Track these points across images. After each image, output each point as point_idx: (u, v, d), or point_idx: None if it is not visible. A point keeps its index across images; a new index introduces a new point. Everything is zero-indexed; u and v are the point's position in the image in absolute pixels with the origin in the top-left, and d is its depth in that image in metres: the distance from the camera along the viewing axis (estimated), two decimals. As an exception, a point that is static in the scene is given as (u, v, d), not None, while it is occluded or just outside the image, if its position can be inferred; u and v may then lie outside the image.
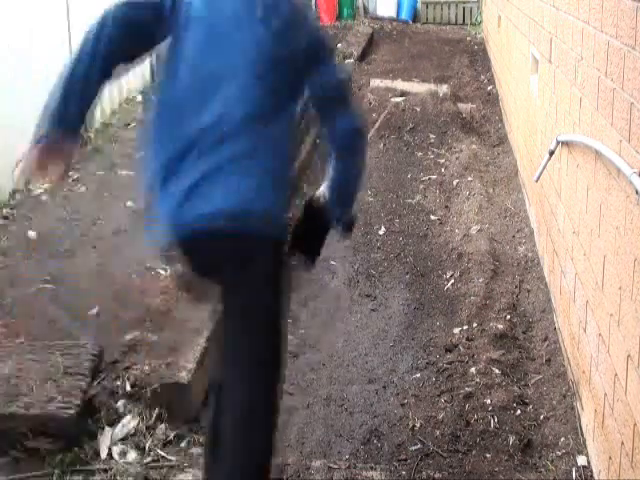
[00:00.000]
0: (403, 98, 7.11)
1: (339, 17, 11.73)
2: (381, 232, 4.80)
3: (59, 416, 2.67)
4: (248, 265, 2.07)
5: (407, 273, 4.25)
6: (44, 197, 5.24)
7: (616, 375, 2.33)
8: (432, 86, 7.83)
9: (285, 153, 2.17)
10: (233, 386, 2.14)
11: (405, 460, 2.76)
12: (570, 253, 3.16)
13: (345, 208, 2.29)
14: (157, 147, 2.15)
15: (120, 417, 2.83)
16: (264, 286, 2.10)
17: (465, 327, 3.61)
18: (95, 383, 2.90)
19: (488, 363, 3.27)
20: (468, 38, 11.08)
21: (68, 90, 2.11)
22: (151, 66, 9.84)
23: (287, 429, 2.95)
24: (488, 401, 3.03)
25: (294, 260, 2.31)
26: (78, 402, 2.73)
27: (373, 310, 3.90)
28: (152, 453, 2.74)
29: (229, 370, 2.15)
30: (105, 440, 2.76)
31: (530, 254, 4.28)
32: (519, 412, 2.99)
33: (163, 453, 2.75)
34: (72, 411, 2.69)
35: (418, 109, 7.04)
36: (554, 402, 3.05)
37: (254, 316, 2.09)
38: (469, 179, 5.47)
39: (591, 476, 2.65)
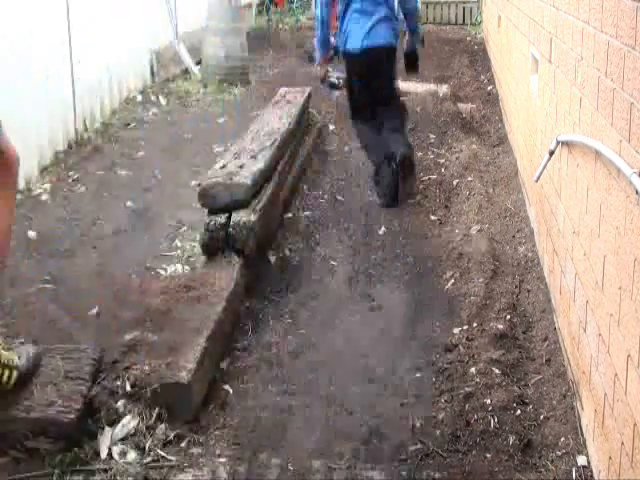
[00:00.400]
0: (403, 98, 7.11)
1: (340, 17, 11.71)
2: (381, 232, 4.80)
3: (59, 420, 2.67)
4: (387, 61, 5.22)
5: (407, 273, 4.25)
6: (44, 197, 5.24)
7: (616, 375, 2.33)
8: (432, 86, 7.84)
9: (395, 21, 5.31)
10: (388, 118, 5.34)
11: (405, 460, 2.76)
12: (570, 253, 3.16)
13: (415, 36, 5.56)
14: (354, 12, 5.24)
15: (120, 417, 2.83)
16: (391, 70, 5.33)
17: (465, 327, 3.61)
18: (95, 385, 2.89)
19: (488, 363, 3.27)
20: (468, 38, 11.09)
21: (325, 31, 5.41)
22: (151, 66, 9.80)
23: (287, 429, 2.95)
24: (488, 401, 3.03)
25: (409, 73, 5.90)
26: (78, 406, 2.73)
27: (373, 310, 3.89)
28: (152, 453, 2.74)
29: (385, 113, 5.36)
30: (105, 440, 2.76)
31: (530, 254, 4.28)
32: (519, 412, 2.99)
33: (163, 453, 2.75)
34: (72, 415, 2.69)
35: (418, 109, 7.05)
36: (554, 402, 3.05)
37: (389, 83, 5.40)
38: (469, 179, 5.47)
39: (591, 476, 2.65)
